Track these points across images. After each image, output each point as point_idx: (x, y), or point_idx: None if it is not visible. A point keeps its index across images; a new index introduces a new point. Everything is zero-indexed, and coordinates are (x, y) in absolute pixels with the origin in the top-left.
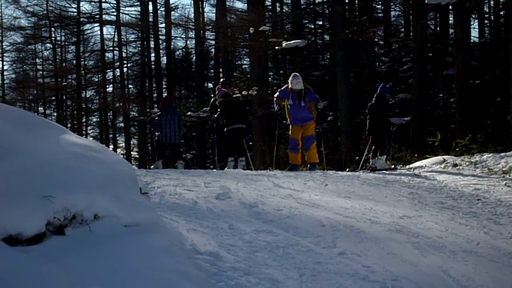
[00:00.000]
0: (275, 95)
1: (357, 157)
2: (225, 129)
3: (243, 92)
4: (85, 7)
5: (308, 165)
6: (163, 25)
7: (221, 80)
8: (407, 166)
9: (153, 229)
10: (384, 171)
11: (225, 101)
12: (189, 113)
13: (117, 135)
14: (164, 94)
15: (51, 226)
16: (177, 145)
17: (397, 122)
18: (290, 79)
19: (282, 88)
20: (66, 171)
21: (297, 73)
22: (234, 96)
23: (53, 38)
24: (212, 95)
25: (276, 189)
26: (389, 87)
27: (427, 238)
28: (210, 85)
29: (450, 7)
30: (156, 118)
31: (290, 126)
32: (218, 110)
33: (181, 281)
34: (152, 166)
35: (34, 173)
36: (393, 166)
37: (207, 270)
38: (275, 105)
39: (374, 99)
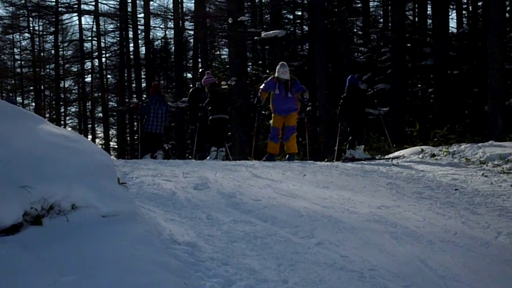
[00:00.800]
0: (261, 87)
1: (335, 148)
2: (210, 118)
3: (222, 83)
4: None
5: (287, 156)
6: (142, 15)
7: (200, 70)
8: (386, 156)
9: (131, 219)
10: (362, 161)
11: (216, 90)
12: (168, 103)
13: (96, 125)
14: (143, 85)
15: (28, 216)
16: (160, 135)
17: (375, 113)
18: (277, 67)
19: (268, 80)
20: (43, 161)
21: (284, 62)
22: (223, 87)
23: (31, 28)
24: (191, 85)
25: (255, 179)
26: (357, 76)
27: (404, 228)
28: (189, 75)
29: None
30: (145, 104)
31: (273, 115)
32: (208, 96)
33: (159, 271)
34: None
35: (11, 163)
36: (370, 157)
37: (185, 260)
38: (258, 97)
39: (345, 91)
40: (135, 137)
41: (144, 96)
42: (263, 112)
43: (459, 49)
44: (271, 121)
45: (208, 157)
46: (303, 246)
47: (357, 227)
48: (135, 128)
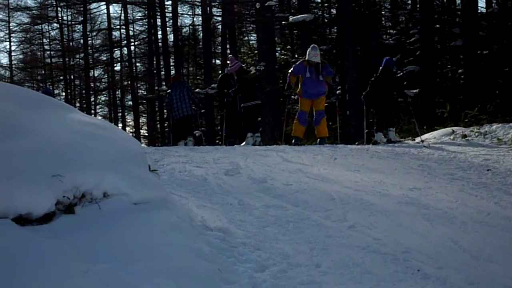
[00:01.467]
0: (290, 71)
1: (366, 130)
2: (242, 105)
3: (250, 68)
4: None
5: (318, 139)
6: (170, 2)
7: (229, 56)
8: (416, 138)
9: (162, 206)
10: (394, 143)
11: (245, 77)
12: (197, 90)
13: (125, 113)
14: (172, 72)
15: (60, 205)
16: (189, 117)
17: (408, 95)
18: (308, 50)
19: (297, 63)
20: (74, 149)
21: (315, 45)
22: (251, 72)
23: (60, 18)
24: (220, 72)
25: (285, 164)
26: (394, 60)
27: (437, 210)
28: (218, 61)
29: None
30: (167, 95)
31: (300, 99)
32: (237, 84)
33: (192, 257)
34: None
35: (43, 152)
36: (400, 139)
37: (217, 246)
38: (287, 82)
39: (379, 72)
40: (165, 125)
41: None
42: (292, 97)
43: (488, 29)
44: (298, 105)
45: (243, 143)
46: (335, 230)
47: (389, 209)
48: (165, 116)
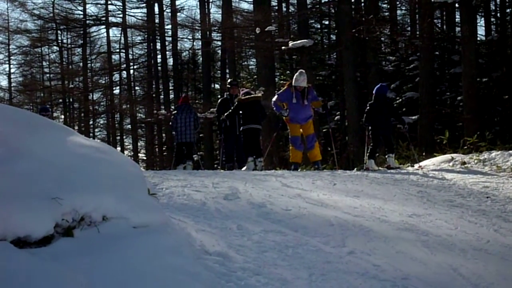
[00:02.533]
0: (274, 99)
1: (365, 156)
2: (241, 129)
3: (256, 92)
4: (91, 9)
5: (313, 164)
6: (169, 26)
7: (228, 80)
8: (415, 165)
9: (161, 230)
10: (391, 170)
11: (242, 99)
12: (195, 112)
13: (124, 137)
14: (171, 96)
15: (59, 228)
16: (190, 144)
17: (406, 121)
18: (296, 75)
19: (282, 90)
20: (73, 172)
21: (303, 70)
22: (253, 96)
23: (60, 41)
24: (219, 96)
25: (284, 189)
26: (386, 86)
27: (436, 237)
28: (217, 86)
29: (457, 5)
30: (172, 117)
31: (289, 125)
32: (232, 107)
33: (190, 281)
34: None
35: (42, 175)
36: (399, 166)
37: (216, 271)
38: (276, 109)
39: (372, 99)
40: (164, 148)
41: (172, 107)
42: (280, 124)
43: (488, 56)
44: (289, 131)
45: (244, 168)
46: (334, 256)
47: (389, 235)
48: (163, 140)
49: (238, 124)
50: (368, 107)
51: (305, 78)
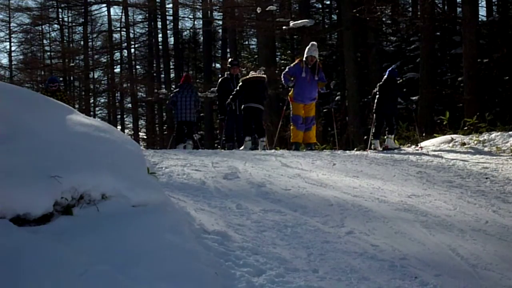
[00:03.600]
0: (284, 72)
1: (365, 137)
2: (242, 106)
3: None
4: None
5: (307, 145)
6: (171, 5)
7: (229, 60)
8: (416, 146)
9: (161, 209)
10: (393, 150)
11: (245, 79)
12: (197, 91)
13: (125, 116)
14: (172, 75)
15: (58, 206)
16: (190, 123)
17: (407, 104)
18: (307, 47)
19: (293, 65)
20: (73, 151)
21: (314, 42)
22: (256, 75)
23: (60, 19)
24: (220, 75)
25: (284, 168)
26: (397, 70)
27: (435, 217)
28: (218, 65)
29: None
30: (172, 94)
31: (292, 103)
32: (238, 86)
33: (189, 260)
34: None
35: (41, 153)
36: (399, 146)
37: (215, 250)
38: (284, 81)
39: (383, 80)
40: (164, 127)
41: (173, 86)
42: (284, 107)
43: (489, 37)
44: (291, 110)
45: (242, 147)
46: (333, 236)
47: (388, 216)
48: (164, 119)
49: (239, 104)
50: (377, 88)
51: (317, 50)
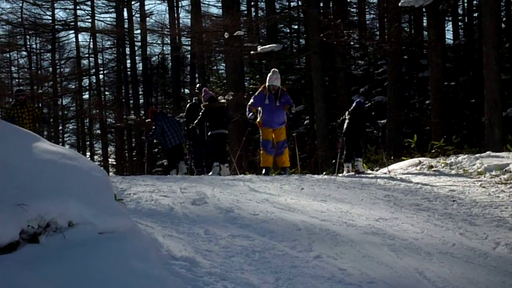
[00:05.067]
0: (249, 103)
1: (334, 161)
2: (209, 133)
3: (219, 97)
4: (60, 14)
5: (281, 169)
6: (139, 31)
7: (197, 85)
8: (384, 169)
9: (128, 236)
10: (361, 174)
11: (210, 106)
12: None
13: (94, 142)
14: (141, 101)
15: (25, 234)
16: (180, 145)
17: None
18: (269, 75)
19: (256, 94)
20: (39, 178)
21: (276, 69)
22: (220, 102)
23: (28, 46)
24: (189, 101)
25: (252, 193)
26: (363, 101)
27: (403, 240)
28: (187, 90)
29: (424, 9)
30: (153, 127)
31: (261, 129)
32: (200, 114)
33: (156, 286)
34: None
35: (8, 181)
36: (367, 170)
37: (182, 276)
38: (249, 113)
39: (351, 109)
40: (133, 154)
41: (142, 112)
42: (248, 128)
43: (455, 60)
44: (260, 135)
45: (210, 173)
46: (301, 260)
47: (355, 240)
48: (133, 145)
49: (206, 130)
50: (345, 115)
51: (278, 77)
